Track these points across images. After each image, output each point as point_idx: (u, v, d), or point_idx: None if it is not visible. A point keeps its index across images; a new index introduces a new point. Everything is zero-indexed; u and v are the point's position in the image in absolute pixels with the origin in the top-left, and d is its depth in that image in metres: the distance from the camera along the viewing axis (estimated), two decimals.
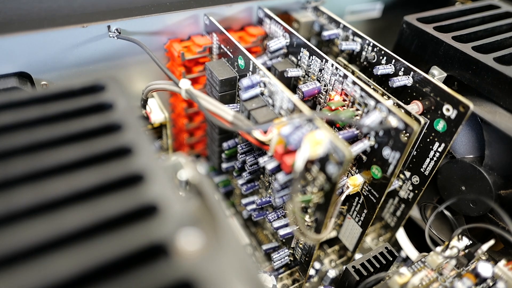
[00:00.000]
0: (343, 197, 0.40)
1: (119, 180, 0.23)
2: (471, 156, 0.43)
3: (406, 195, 0.47)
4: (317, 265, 0.49)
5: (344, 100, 0.40)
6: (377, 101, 0.36)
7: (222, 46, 0.46)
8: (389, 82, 0.41)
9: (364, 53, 0.46)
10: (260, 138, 0.36)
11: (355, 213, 0.45)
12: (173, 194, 0.23)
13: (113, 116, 0.28)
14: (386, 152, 0.37)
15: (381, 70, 0.42)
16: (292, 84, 0.47)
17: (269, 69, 0.48)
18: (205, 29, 0.49)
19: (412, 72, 0.41)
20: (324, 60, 0.41)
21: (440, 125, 0.40)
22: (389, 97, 0.42)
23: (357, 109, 0.39)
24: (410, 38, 0.48)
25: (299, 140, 0.32)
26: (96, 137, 0.26)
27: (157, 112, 0.48)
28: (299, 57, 0.45)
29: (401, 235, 0.51)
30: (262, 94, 0.39)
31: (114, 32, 0.43)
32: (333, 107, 0.39)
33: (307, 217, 0.39)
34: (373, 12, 0.64)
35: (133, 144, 0.25)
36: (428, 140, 0.42)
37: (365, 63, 0.47)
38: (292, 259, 0.46)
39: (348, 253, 0.50)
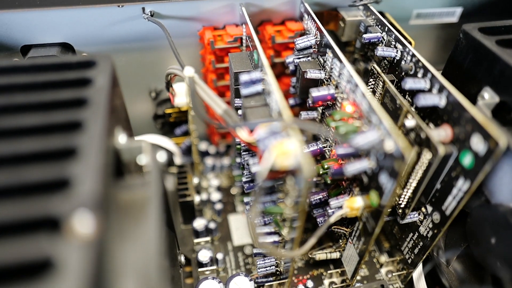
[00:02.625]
0: (333, 218, 0.36)
1: (52, 151, 0.24)
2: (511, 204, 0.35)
3: (425, 232, 0.41)
4: (310, 283, 0.45)
5: (355, 112, 0.36)
6: (380, 120, 0.31)
7: (248, 38, 0.45)
8: (414, 99, 0.35)
9: (403, 62, 0.41)
10: (244, 138, 0.34)
11: (355, 239, 0.40)
12: (92, 175, 0.23)
13: (85, 92, 0.29)
14: (382, 178, 0.32)
15: (409, 84, 0.37)
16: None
17: (296, 67, 0.45)
18: (240, 19, 0.48)
19: (445, 91, 0.34)
20: (342, 64, 0.37)
21: (467, 160, 0.33)
22: (413, 116, 0.36)
23: (364, 124, 0.34)
24: (465, 51, 0.40)
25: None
26: (58, 109, 0.27)
27: (181, 97, 0.49)
28: (325, 59, 0.42)
29: (417, 276, 0.44)
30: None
31: (147, 14, 0.45)
32: (336, 117, 0.35)
33: (285, 231, 0.36)
34: (450, 17, 0.55)
35: (85, 121, 0.26)
36: (452, 174, 0.35)
37: (403, 73, 0.41)
38: (279, 270, 0.43)
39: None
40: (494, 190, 0.36)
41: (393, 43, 0.42)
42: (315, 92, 0.38)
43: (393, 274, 0.48)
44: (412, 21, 0.54)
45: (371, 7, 0.46)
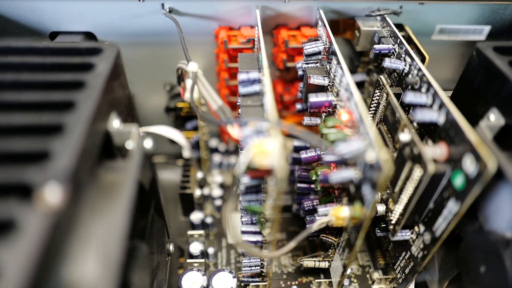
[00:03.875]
0: (315, 225, 0.36)
1: (40, 125, 0.26)
2: (508, 232, 0.33)
3: (416, 253, 0.39)
4: None
5: (349, 121, 0.35)
6: (366, 130, 0.31)
7: (258, 40, 0.45)
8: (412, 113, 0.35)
9: (410, 76, 0.40)
10: (233, 135, 0.35)
11: (341, 249, 0.40)
12: (71, 152, 0.24)
13: (84, 76, 0.31)
14: (365, 189, 0.31)
15: (410, 98, 0.36)
16: None
17: (304, 72, 0.46)
18: (255, 21, 0.49)
19: (445, 108, 0.33)
20: (343, 72, 0.37)
21: (458, 181, 0.31)
22: (409, 131, 0.35)
23: (355, 133, 0.34)
24: (476, 70, 0.38)
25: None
26: (56, 89, 0.29)
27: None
28: (330, 66, 0.41)
29: None
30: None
31: (165, 10, 0.47)
32: (329, 124, 0.35)
33: (266, 231, 0.36)
34: (477, 35, 0.53)
35: (78, 102, 0.28)
36: (444, 195, 0.34)
37: (409, 87, 0.40)
38: (264, 272, 0.43)
39: None
40: (489, 216, 0.34)
41: (403, 56, 0.41)
42: (312, 98, 0.38)
43: None
44: (434, 36, 0.53)
45: (387, 18, 0.46)
